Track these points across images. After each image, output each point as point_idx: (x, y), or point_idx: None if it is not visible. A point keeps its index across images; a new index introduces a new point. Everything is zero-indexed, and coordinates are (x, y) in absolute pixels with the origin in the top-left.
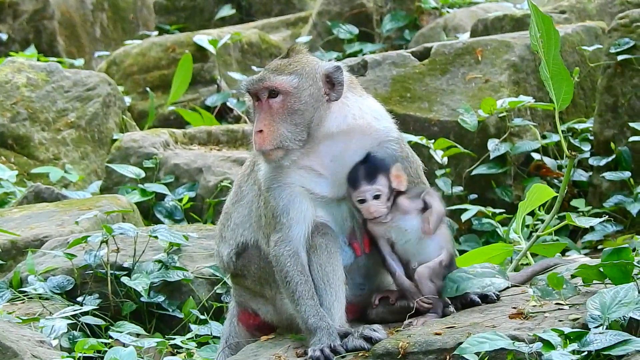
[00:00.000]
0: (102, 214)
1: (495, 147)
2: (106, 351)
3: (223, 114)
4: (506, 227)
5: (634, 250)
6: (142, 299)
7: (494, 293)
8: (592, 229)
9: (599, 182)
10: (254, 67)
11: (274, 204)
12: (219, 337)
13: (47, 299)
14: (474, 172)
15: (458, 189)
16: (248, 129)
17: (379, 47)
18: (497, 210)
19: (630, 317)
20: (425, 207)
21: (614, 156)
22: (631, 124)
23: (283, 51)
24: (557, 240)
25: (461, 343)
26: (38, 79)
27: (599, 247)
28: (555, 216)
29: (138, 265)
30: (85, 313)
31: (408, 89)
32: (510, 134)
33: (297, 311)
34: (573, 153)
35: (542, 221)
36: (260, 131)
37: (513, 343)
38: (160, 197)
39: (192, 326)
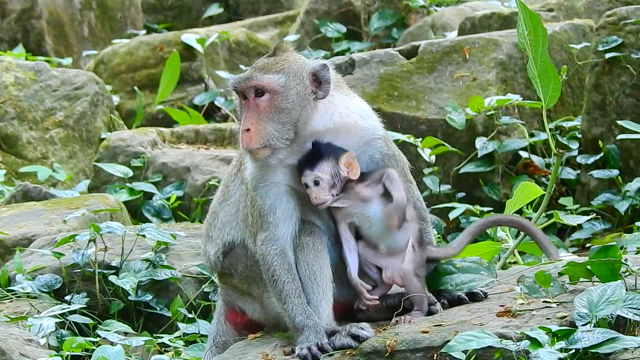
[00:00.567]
0: (90, 213)
1: (483, 145)
2: (94, 350)
3: (211, 112)
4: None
5: (621, 248)
6: (129, 297)
7: (481, 291)
8: (580, 227)
9: (587, 180)
10: (241, 66)
11: (261, 203)
12: (206, 336)
13: (35, 297)
14: (461, 171)
15: (446, 187)
16: (235, 127)
17: (366, 45)
18: (485, 209)
19: (618, 315)
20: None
21: (602, 154)
22: (619, 122)
23: (271, 50)
24: None
25: (449, 341)
26: (26, 78)
27: (587, 245)
28: (543, 214)
29: (126, 264)
30: (73, 312)
31: (396, 87)
32: (498, 132)
33: (284, 309)
34: (561, 151)
35: (530, 219)
36: (248, 130)
37: (500, 341)
38: (148, 195)
39: (180, 325)
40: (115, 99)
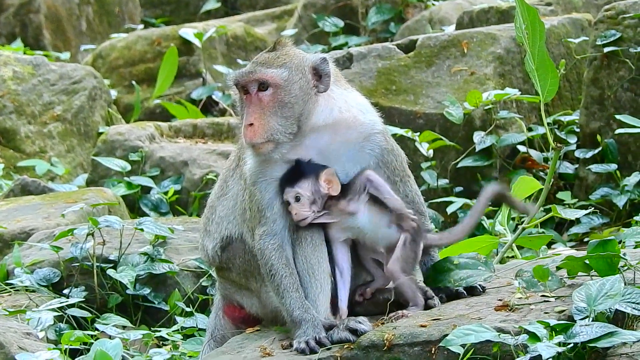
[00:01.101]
0: (88, 207)
1: (480, 139)
2: (92, 343)
3: (208, 107)
4: (492, 219)
5: (620, 242)
6: (127, 291)
7: (479, 285)
8: (578, 221)
9: (585, 175)
10: (239, 60)
11: (260, 198)
12: (204, 330)
13: (33, 291)
14: (459, 165)
15: (444, 182)
16: (233, 122)
17: (364, 39)
18: None
19: (616, 309)
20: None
21: (600, 148)
22: (617, 116)
23: (268, 44)
24: (543, 232)
25: (447, 335)
26: (24, 72)
27: (585, 239)
28: (541, 208)
29: (124, 258)
30: (72, 305)
31: (393, 81)
32: (495, 127)
33: (282, 304)
34: (559, 145)
35: (527, 214)
36: (251, 124)
37: (499, 335)
38: (146, 190)
39: (178, 318)
40: (113, 93)
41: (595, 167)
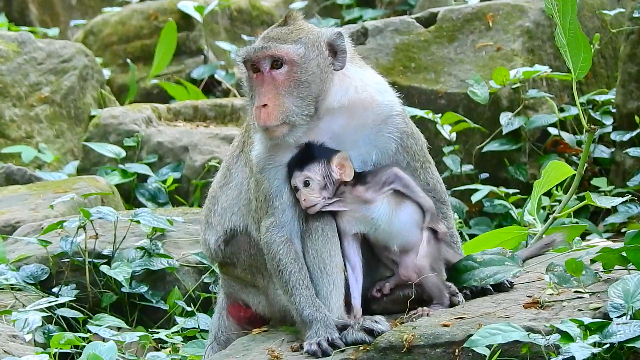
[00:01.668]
0: (79, 197)
1: (508, 121)
2: (84, 346)
3: (210, 87)
4: (520, 208)
5: None
6: (123, 289)
7: (507, 281)
8: (614, 210)
9: (622, 159)
10: (244, 36)
11: (267, 186)
12: (206, 331)
13: (19, 289)
14: (485, 149)
15: (468, 168)
16: (237, 103)
17: (380, 13)
18: (511, 191)
19: None
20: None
21: (638, 130)
22: None
23: (275, 18)
24: (577, 222)
25: (471, 335)
26: (8, 50)
27: (622, 230)
28: (574, 196)
29: (118, 253)
30: (61, 305)
31: (412, 58)
32: (524, 107)
33: (291, 302)
34: (593, 127)
35: (560, 202)
36: (264, 105)
37: (528, 335)
38: (143, 178)
39: (178, 319)
40: (106, 72)
41: (632, 151)
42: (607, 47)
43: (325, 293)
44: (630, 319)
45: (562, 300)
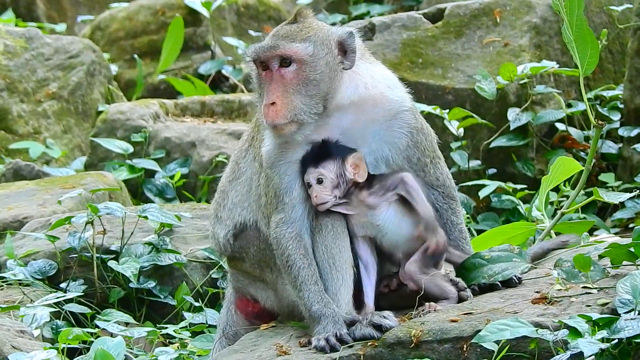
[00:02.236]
0: (86, 193)
1: (515, 117)
2: (92, 342)
3: (218, 82)
4: (528, 204)
5: None
6: (131, 284)
7: (515, 276)
8: (622, 205)
9: (630, 155)
10: (251, 32)
11: (277, 182)
12: (214, 326)
13: (27, 285)
14: (492, 145)
15: (475, 163)
16: (245, 98)
17: (387, 8)
18: (518, 186)
19: None
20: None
21: None
22: None
23: (283, 14)
24: (584, 218)
25: (480, 330)
26: (16, 46)
27: (630, 225)
28: (582, 192)
29: (126, 248)
30: (69, 300)
31: (420, 54)
32: (532, 103)
33: (300, 297)
34: (601, 123)
35: (568, 197)
36: (273, 103)
37: (536, 330)
38: (150, 173)
39: (186, 314)
40: (114, 68)
41: None
42: (615, 42)
43: (334, 289)
44: (639, 314)
45: (570, 296)
